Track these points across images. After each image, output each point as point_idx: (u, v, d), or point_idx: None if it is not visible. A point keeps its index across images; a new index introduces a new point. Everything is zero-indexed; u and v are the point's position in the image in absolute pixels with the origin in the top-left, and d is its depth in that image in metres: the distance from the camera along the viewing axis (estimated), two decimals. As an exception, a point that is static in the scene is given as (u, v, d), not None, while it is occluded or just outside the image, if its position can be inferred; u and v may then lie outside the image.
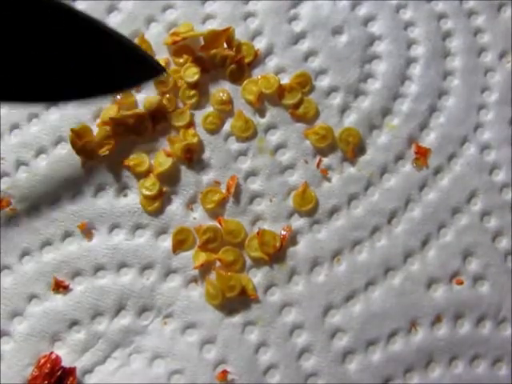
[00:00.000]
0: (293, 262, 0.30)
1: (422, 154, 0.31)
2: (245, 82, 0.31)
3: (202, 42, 0.31)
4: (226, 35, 0.31)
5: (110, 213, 0.30)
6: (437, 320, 0.29)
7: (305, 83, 0.32)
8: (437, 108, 0.32)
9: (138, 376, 0.28)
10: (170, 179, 0.30)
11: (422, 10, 0.33)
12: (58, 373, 0.27)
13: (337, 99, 0.32)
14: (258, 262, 0.30)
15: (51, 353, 0.28)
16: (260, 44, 0.32)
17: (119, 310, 0.29)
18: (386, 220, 0.30)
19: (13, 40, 0.24)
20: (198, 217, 0.30)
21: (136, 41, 0.31)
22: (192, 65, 0.31)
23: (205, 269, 0.29)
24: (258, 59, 0.32)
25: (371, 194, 0.31)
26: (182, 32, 0.31)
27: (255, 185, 0.31)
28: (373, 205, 0.31)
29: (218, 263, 0.29)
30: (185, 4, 0.32)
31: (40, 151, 0.31)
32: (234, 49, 0.31)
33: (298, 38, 0.32)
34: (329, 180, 0.31)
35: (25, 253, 0.29)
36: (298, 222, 0.30)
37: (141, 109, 0.31)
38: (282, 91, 0.31)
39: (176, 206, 0.30)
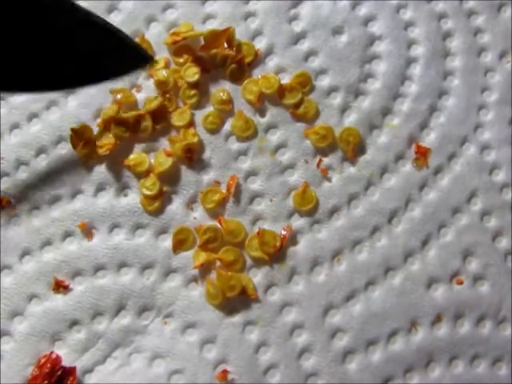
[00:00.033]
0: (293, 262, 0.30)
1: (422, 154, 0.31)
2: (245, 81, 0.31)
3: (203, 42, 0.31)
4: (227, 35, 0.31)
5: (110, 212, 0.30)
6: (437, 320, 0.29)
7: (305, 83, 0.32)
8: (437, 108, 0.32)
9: (138, 376, 0.28)
10: (171, 179, 0.30)
11: (422, 10, 0.33)
12: (58, 372, 0.27)
13: (337, 99, 0.32)
14: (258, 262, 0.30)
15: (51, 352, 0.28)
16: (260, 44, 0.32)
17: (119, 309, 0.29)
18: (386, 220, 0.30)
19: None
20: (199, 216, 0.30)
21: (136, 41, 0.31)
22: (192, 65, 0.31)
23: (205, 268, 0.29)
24: (258, 59, 0.32)
25: (371, 194, 0.31)
26: (183, 32, 0.31)
27: (255, 185, 0.31)
28: (373, 205, 0.31)
29: (218, 263, 0.29)
30: (185, 4, 0.32)
31: (40, 151, 0.31)
32: (234, 49, 0.31)
33: (298, 37, 0.32)
34: (329, 180, 0.31)
35: (25, 253, 0.29)
36: (298, 222, 0.30)
37: (141, 109, 0.31)
38: (282, 91, 0.31)
39: (176, 206, 0.30)
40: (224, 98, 0.31)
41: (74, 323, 0.29)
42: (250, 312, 0.29)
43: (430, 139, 0.32)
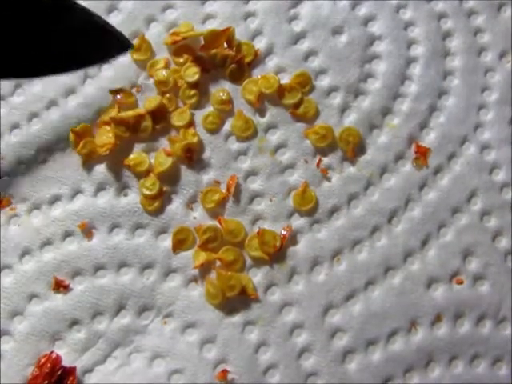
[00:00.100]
0: (293, 262, 0.30)
1: (422, 154, 0.31)
2: (245, 81, 0.31)
3: (202, 42, 0.31)
4: (226, 35, 0.31)
5: (110, 212, 0.30)
6: (437, 319, 0.29)
7: (305, 83, 0.32)
8: (437, 108, 0.32)
9: (138, 375, 0.28)
10: (170, 179, 0.30)
11: (421, 10, 0.33)
12: (59, 372, 0.28)
13: (337, 99, 0.32)
14: (258, 262, 0.30)
15: (51, 352, 0.28)
16: (260, 44, 0.32)
17: (119, 309, 0.29)
18: (386, 220, 0.30)
19: None
20: (198, 216, 0.30)
21: (136, 41, 0.31)
22: (192, 64, 0.31)
23: (205, 268, 0.29)
24: (258, 59, 0.32)
25: (371, 194, 0.31)
26: (182, 32, 0.31)
27: (255, 184, 0.31)
28: (373, 204, 0.31)
29: (218, 263, 0.29)
30: (185, 4, 0.32)
31: (40, 151, 0.31)
32: (234, 49, 0.32)
33: (298, 37, 0.32)
34: (329, 180, 0.31)
35: (25, 252, 0.29)
36: (298, 222, 0.30)
37: (141, 109, 0.31)
38: (282, 91, 0.31)
39: (176, 206, 0.30)
40: (224, 97, 0.31)
41: (74, 323, 0.29)
42: (250, 312, 0.29)
43: (429, 139, 0.32)
